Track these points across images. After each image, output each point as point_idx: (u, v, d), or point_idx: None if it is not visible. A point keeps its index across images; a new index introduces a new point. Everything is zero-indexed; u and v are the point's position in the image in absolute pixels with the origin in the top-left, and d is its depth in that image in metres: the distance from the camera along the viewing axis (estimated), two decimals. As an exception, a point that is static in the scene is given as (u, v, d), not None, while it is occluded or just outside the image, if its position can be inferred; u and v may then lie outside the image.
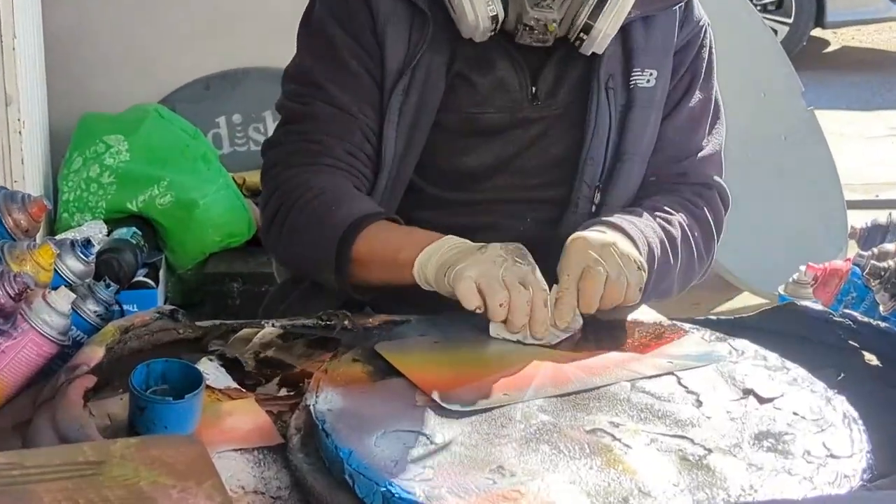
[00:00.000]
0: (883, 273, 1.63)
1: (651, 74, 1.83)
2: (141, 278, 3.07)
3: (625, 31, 1.80)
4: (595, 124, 1.80)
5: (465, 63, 1.78)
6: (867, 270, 1.69)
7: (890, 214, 1.84)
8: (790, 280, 2.04)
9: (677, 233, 1.78)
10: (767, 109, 4.32)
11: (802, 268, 1.97)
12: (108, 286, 1.55)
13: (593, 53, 1.78)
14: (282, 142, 1.82)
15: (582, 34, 1.74)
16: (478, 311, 1.49)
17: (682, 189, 1.86)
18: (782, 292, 2.03)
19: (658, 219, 1.77)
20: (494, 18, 1.72)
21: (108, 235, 3.02)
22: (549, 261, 1.59)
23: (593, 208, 1.81)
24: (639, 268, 1.58)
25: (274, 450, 1.33)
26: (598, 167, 1.81)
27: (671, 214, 1.80)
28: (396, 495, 1.15)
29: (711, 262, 1.90)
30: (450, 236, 1.60)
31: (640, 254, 1.65)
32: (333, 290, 1.72)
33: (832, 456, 1.25)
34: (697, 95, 1.89)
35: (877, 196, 5.47)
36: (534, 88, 1.81)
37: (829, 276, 1.84)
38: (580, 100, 1.81)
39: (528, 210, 1.82)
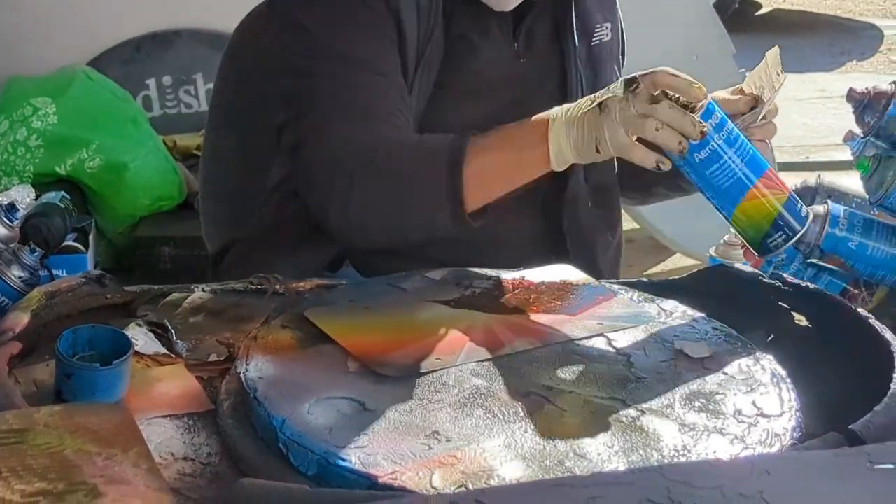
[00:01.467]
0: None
1: (606, 27, 1.89)
2: (70, 243, 3.02)
3: None
4: (573, 83, 1.83)
5: (463, 24, 1.78)
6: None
7: (819, 177, 1.85)
8: (720, 242, 2.04)
9: None
10: (699, 72, 4.28)
11: (733, 230, 1.97)
12: (33, 251, 1.52)
13: (562, 12, 1.82)
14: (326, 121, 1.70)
15: None
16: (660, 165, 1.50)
17: None
18: (713, 254, 2.03)
19: None
20: None
21: (36, 199, 2.97)
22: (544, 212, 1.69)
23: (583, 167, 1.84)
24: None
25: (204, 416, 1.31)
26: None
27: None
28: (332, 463, 1.14)
29: None
30: (555, 109, 1.58)
31: None
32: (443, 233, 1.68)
33: (762, 415, 1.26)
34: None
35: (807, 158, 5.53)
36: (515, 45, 1.82)
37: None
38: (556, 56, 1.84)
39: None
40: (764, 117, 1.68)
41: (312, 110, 1.71)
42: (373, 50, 1.71)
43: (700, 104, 1.48)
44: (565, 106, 1.59)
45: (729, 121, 1.49)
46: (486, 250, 1.72)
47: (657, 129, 1.47)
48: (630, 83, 1.50)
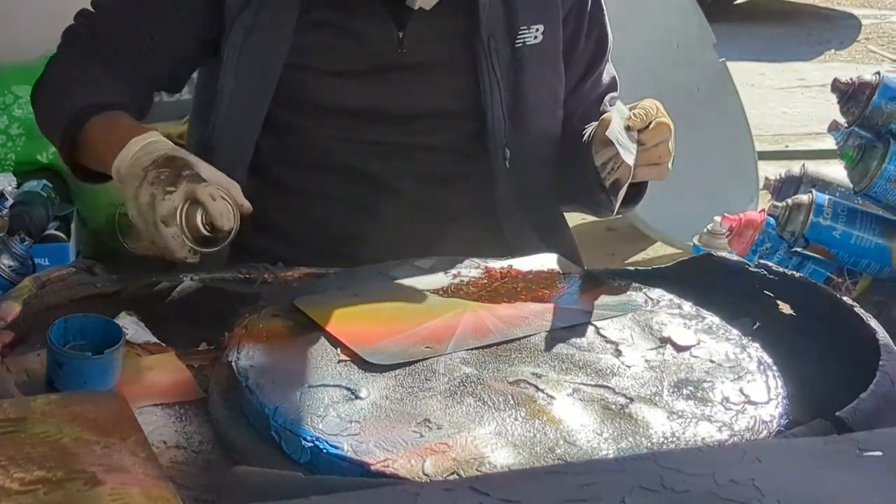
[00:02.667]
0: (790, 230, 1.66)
1: (538, 30, 1.82)
2: (52, 231, 3.02)
3: None
4: (487, 84, 1.79)
5: (321, 6, 1.76)
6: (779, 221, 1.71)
7: (803, 166, 1.87)
8: (704, 231, 2.06)
9: None
10: (680, 61, 4.34)
11: (717, 218, 1.99)
12: (22, 241, 1.52)
13: (472, 10, 1.77)
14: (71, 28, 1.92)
15: None
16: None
17: None
18: (697, 243, 2.05)
19: None
20: None
21: (17, 188, 2.97)
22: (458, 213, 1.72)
23: (507, 164, 1.82)
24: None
25: (195, 404, 1.32)
26: (500, 125, 1.81)
27: None
28: (324, 451, 1.15)
29: None
30: (137, 139, 1.61)
31: None
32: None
33: (750, 402, 1.27)
34: (597, 39, 1.92)
35: (786, 147, 5.55)
36: (400, 34, 1.78)
37: (744, 226, 1.87)
38: (464, 53, 1.80)
39: (429, 158, 1.82)
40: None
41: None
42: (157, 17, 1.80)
43: None
44: (151, 138, 1.61)
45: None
46: (419, 249, 1.69)
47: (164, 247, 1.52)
48: (172, 180, 1.50)
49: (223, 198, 1.50)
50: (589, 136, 1.78)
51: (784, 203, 1.71)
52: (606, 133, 1.60)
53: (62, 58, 1.87)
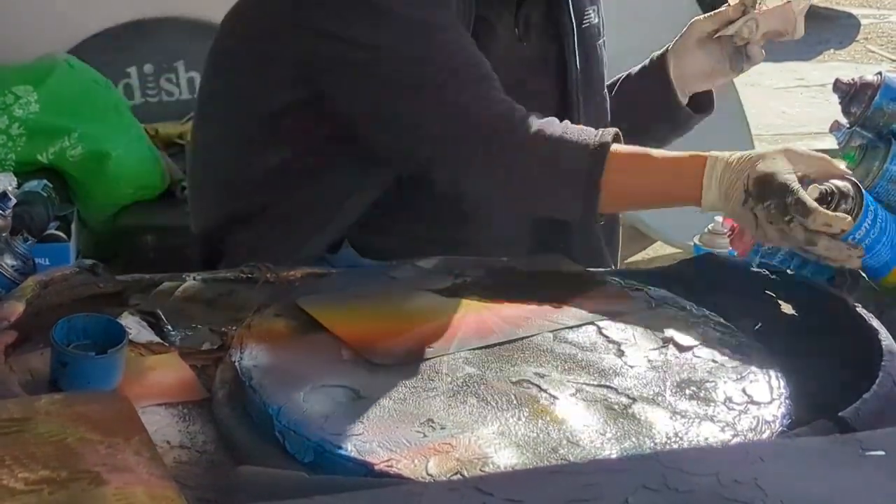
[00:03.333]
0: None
1: (594, 10, 1.94)
2: (53, 232, 3.02)
3: None
4: (572, 68, 1.87)
5: (482, 4, 1.78)
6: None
7: (805, 165, 1.87)
8: (705, 230, 2.05)
9: None
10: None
11: (718, 218, 1.99)
12: (25, 240, 1.52)
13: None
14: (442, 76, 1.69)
15: None
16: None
17: None
18: (697, 243, 2.05)
19: None
20: None
21: (18, 188, 2.96)
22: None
23: None
24: None
25: (198, 404, 1.32)
26: (576, 108, 1.87)
27: None
28: (328, 451, 1.15)
29: None
30: (709, 171, 1.59)
31: None
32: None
33: (752, 402, 1.27)
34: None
35: (786, 147, 5.55)
36: (517, 29, 1.84)
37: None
38: (549, 41, 1.87)
39: None
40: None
41: (377, 80, 1.69)
42: (446, 14, 1.71)
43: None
44: (720, 165, 1.59)
45: (879, 215, 1.55)
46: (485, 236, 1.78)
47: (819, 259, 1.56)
48: (783, 211, 1.49)
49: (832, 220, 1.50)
50: (663, 52, 1.95)
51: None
52: None
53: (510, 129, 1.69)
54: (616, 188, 1.64)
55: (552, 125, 1.67)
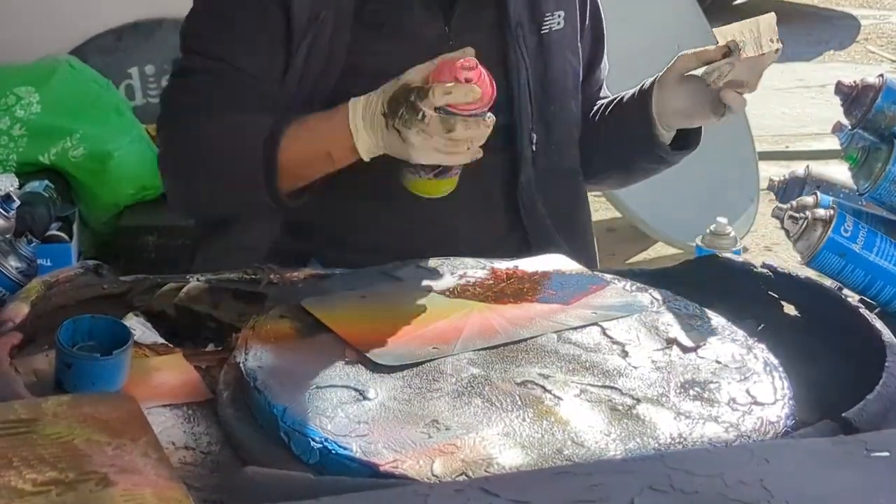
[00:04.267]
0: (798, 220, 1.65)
1: (559, 15, 1.87)
2: (54, 232, 3.03)
3: None
4: (515, 71, 1.83)
5: (378, 5, 1.77)
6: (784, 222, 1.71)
7: (807, 167, 1.87)
8: (707, 231, 2.06)
9: None
10: (681, 61, 4.34)
11: (721, 219, 1.99)
12: (29, 242, 1.52)
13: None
14: (169, 97, 1.87)
15: None
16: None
17: None
18: (699, 244, 2.05)
19: None
20: None
21: (19, 189, 2.97)
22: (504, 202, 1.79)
23: (533, 148, 1.86)
24: None
25: (203, 405, 1.33)
26: (527, 112, 1.85)
27: None
28: (333, 451, 1.15)
29: None
30: (352, 115, 1.64)
31: None
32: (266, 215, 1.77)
33: (756, 403, 1.28)
34: (593, 16, 1.99)
35: (787, 147, 5.56)
36: (447, 29, 1.80)
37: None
38: (496, 42, 1.83)
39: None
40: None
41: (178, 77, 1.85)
42: (249, 42, 1.76)
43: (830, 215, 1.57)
44: (360, 105, 1.64)
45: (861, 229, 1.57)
46: (443, 240, 1.75)
47: (468, 147, 1.58)
48: (413, 111, 1.55)
49: (452, 88, 1.56)
50: (653, 81, 1.89)
51: (789, 204, 1.70)
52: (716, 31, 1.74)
53: (182, 139, 1.81)
54: (287, 162, 1.70)
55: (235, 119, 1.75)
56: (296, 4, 1.74)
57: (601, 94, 2.04)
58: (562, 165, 1.93)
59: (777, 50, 1.76)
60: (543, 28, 1.85)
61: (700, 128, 1.91)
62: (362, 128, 1.63)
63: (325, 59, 1.76)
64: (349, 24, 1.76)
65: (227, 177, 1.76)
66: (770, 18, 1.75)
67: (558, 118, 1.89)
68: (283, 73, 1.76)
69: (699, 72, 1.79)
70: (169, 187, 1.87)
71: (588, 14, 1.97)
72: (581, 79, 1.96)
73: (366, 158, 1.66)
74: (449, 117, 1.55)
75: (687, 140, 1.93)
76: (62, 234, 3.07)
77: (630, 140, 1.93)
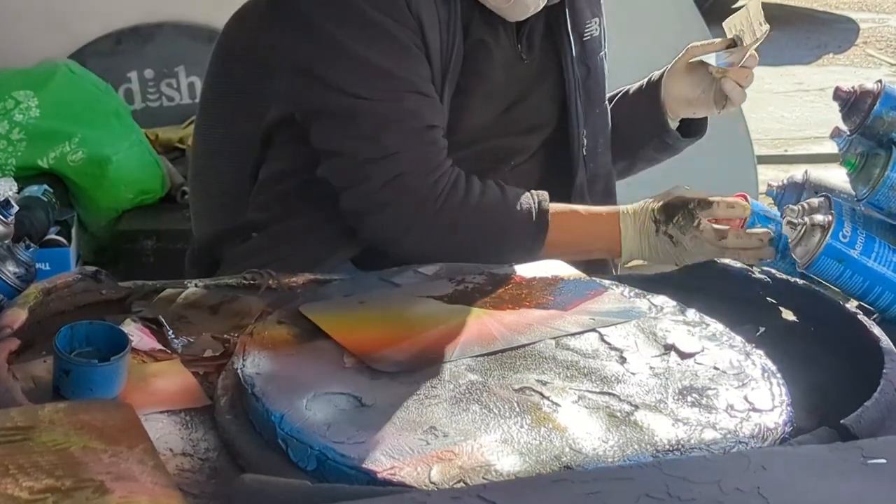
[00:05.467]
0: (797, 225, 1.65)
1: (595, 22, 1.95)
2: (53, 236, 3.03)
3: None
4: (571, 81, 1.89)
5: (480, 29, 1.80)
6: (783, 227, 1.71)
7: (806, 172, 1.87)
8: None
9: None
10: (680, 65, 4.34)
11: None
12: (27, 247, 1.52)
13: (554, 12, 1.86)
14: (392, 148, 1.74)
15: None
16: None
17: None
18: (698, 248, 2.05)
19: None
20: None
21: (18, 193, 2.97)
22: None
23: (584, 151, 1.92)
24: None
25: (201, 411, 1.32)
26: (577, 116, 1.91)
27: None
28: (331, 458, 1.15)
29: None
30: (622, 221, 1.78)
31: None
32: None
33: (754, 409, 1.27)
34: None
35: (785, 151, 5.56)
36: (519, 46, 1.85)
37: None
38: (548, 56, 1.89)
39: (519, 156, 1.90)
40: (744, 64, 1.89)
41: (355, 126, 1.73)
42: (412, 67, 1.73)
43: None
44: (630, 214, 1.77)
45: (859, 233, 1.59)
46: None
47: (737, 257, 1.68)
48: (690, 218, 1.72)
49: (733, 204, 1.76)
50: (662, 72, 2.01)
51: (798, 207, 1.70)
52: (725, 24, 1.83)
53: (449, 195, 1.77)
54: (549, 246, 1.78)
55: (492, 190, 1.78)
56: (430, 41, 1.75)
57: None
58: (606, 166, 2.00)
59: (766, 31, 1.85)
60: (585, 35, 1.91)
61: (706, 117, 2.02)
62: (631, 231, 1.77)
63: (451, 84, 1.79)
64: (461, 50, 1.79)
65: (490, 249, 1.76)
66: (756, 3, 1.81)
67: (600, 121, 1.96)
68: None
69: (708, 58, 1.91)
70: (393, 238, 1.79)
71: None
72: None
73: (625, 260, 1.80)
74: (722, 227, 1.72)
75: (694, 128, 2.04)
76: (61, 239, 3.07)
77: (639, 128, 2.02)
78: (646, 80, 2.03)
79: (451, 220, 1.75)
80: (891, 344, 1.39)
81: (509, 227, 1.78)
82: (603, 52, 1.99)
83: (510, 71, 1.85)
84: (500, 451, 1.17)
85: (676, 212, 1.73)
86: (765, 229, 1.73)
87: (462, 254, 1.69)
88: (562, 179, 1.92)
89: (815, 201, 1.62)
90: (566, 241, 1.78)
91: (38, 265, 1.59)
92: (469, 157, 1.82)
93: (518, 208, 1.77)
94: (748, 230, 1.74)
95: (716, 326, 1.47)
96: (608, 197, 2.01)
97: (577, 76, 1.90)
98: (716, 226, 1.72)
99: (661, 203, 1.75)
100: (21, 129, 3.38)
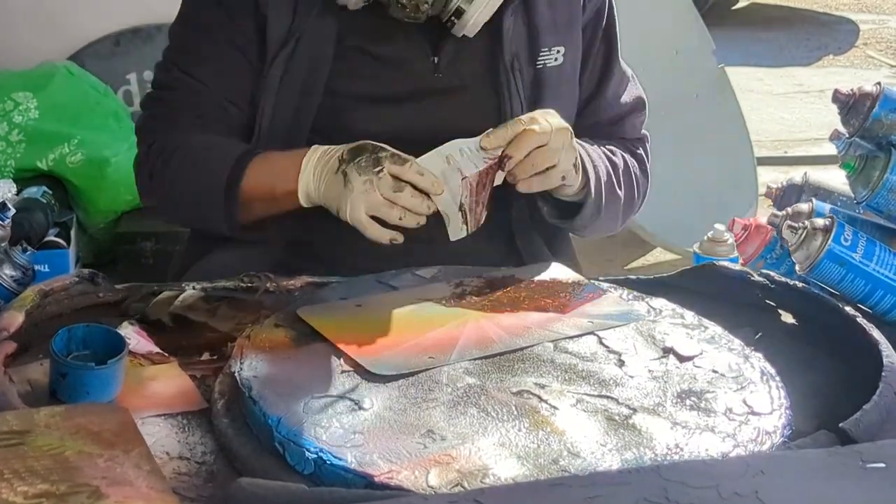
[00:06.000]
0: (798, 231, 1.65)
1: (558, 52, 1.83)
2: (52, 238, 3.02)
3: (528, 9, 1.79)
4: (509, 105, 1.79)
5: (359, 33, 1.76)
6: (782, 231, 1.71)
7: (805, 174, 1.87)
8: (704, 238, 2.05)
9: (620, 163, 1.86)
10: (680, 67, 4.35)
11: (718, 226, 1.99)
12: (24, 250, 1.52)
13: (497, 32, 1.77)
14: (147, 107, 1.87)
15: (454, 17, 1.72)
16: (394, 241, 1.58)
17: (618, 143, 1.92)
18: (697, 251, 2.05)
19: (603, 147, 1.86)
20: None
21: (17, 195, 2.97)
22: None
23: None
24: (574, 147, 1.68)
25: (198, 415, 1.32)
26: None
27: (614, 151, 1.88)
28: (328, 462, 1.15)
29: (643, 203, 1.99)
30: (307, 156, 1.65)
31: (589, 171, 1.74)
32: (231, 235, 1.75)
33: (753, 413, 1.27)
34: (619, 65, 1.92)
35: (785, 152, 5.55)
36: (435, 59, 1.79)
37: (754, 232, 1.85)
38: (489, 74, 1.81)
39: None
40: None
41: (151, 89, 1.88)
42: (212, 60, 1.78)
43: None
44: (320, 150, 1.65)
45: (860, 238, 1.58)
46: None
47: (400, 218, 1.57)
48: (374, 163, 1.56)
49: (424, 173, 1.57)
50: None
51: (784, 211, 1.70)
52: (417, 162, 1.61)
53: (157, 152, 1.80)
54: (245, 192, 1.70)
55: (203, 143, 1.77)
56: (271, 27, 1.74)
57: (621, 127, 1.95)
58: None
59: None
60: (538, 63, 1.81)
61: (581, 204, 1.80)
62: (310, 168, 1.64)
63: (302, 83, 1.75)
64: (330, 52, 1.75)
65: (191, 198, 1.77)
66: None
67: None
68: (255, 96, 1.77)
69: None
70: (143, 195, 1.89)
71: (597, 46, 1.91)
72: (577, 111, 1.90)
73: (303, 202, 1.66)
74: (401, 182, 1.56)
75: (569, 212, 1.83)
76: (60, 241, 3.07)
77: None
78: None
79: (160, 177, 1.79)
80: (890, 347, 1.39)
81: (208, 166, 1.75)
82: (573, 86, 1.87)
83: (414, 82, 1.77)
84: (497, 454, 1.17)
85: (364, 153, 1.59)
86: (437, 180, 1.57)
87: (178, 206, 1.81)
88: (501, 207, 1.78)
89: (803, 206, 1.62)
90: (257, 185, 1.69)
91: (37, 267, 1.59)
92: None
93: (219, 154, 1.74)
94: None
95: (714, 329, 1.47)
96: (559, 232, 1.92)
97: (522, 104, 1.79)
98: (404, 176, 1.57)
99: (352, 146, 1.62)
100: (20, 131, 3.38)
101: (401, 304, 1.51)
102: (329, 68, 1.75)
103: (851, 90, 1.63)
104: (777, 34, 8.07)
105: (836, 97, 1.64)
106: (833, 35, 8.26)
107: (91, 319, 1.42)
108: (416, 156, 1.63)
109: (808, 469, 1.07)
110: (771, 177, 2.11)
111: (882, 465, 1.05)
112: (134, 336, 1.45)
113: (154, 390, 1.35)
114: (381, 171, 1.56)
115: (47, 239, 2.95)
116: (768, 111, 6.16)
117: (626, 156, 1.90)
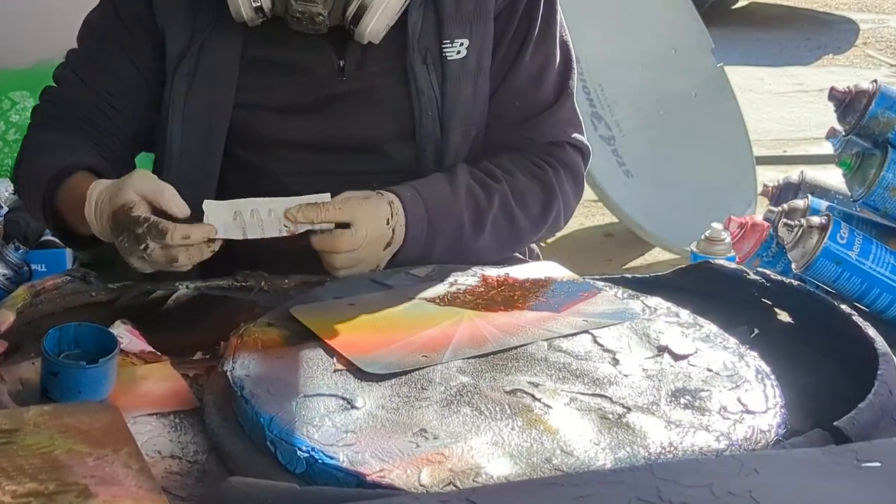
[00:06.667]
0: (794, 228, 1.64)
1: (462, 45, 1.78)
2: (49, 237, 3.02)
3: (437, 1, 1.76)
4: (418, 101, 1.77)
5: (261, 44, 1.76)
6: (778, 229, 1.71)
7: (801, 173, 1.87)
8: (701, 238, 2.05)
9: (496, 201, 1.76)
10: (678, 66, 4.35)
11: (716, 225, 1.99)
12: (17, 249, 1.52)
13: (402, 28, 1.75)
14: (40, 98, 1.91)
15: (352, 27, 1.71)
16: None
17: (531, 149, 1.83)
18: (694, 250, 2.05)
19: (480, 179, 1.77)
20: (259, 9, 1.69)
21: (14, 194, 2.96)
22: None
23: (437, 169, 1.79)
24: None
25: (190, 414, 1.32)
26: (433, 142, 1.79)
27: (493, 184, 1.78)
28: (320, 461, 1.14)
29: (561, 220, 1.88)
30: (87, 198, 1.63)
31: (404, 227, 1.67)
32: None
33: (748, 412, 1.26)
34: (535, 56, 1.84)
35: (784, 152, 5.55)
36: (341, 62, 1.77)
37: (750, 230, 1.85)
38: (400, 71, 1.78)
39: (380, 182, 1.74)
40: None
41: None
42: (102, 67, 1.82)
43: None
44: (96, 192, 1.62)
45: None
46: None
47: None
48: (137, 241, 1.52)
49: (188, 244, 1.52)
50: None
51: (780, 208, 1.70)
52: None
53: (31, 135, 1.88)
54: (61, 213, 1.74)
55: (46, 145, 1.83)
56: (169, 42, 1.76)
57: (531, 141, 1.85)
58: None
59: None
60: (443, 54, 1.77)
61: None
62: (92, 213, 1.62)
63: (210, 97, 1.76)
64: (235, 66, 1.76)
65: (27, 199, 1.84)
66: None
67: (450, 149, 1.79)
68: (152, 106, 1.80)
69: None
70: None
71: (513, 37, 1.82)
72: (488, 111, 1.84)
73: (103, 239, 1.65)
74: (172, 250, 1.51)
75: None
76: (56, 240, 3.06)
77: None
78: None
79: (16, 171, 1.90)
80: (886, 346, 1.39)
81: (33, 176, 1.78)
82: (477, 78, 1.80)
83: (318, 89, 1.76)
84: (490, 453, 1.16)
85: (123, 231, 1.54)
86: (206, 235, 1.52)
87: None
88: None
89: (798, 203, 1.61)
90: (66, 209, 1.71)
91: (33, 266, 1.59)
92: (323, 180, 1.69)
93: (49, 158, 1.77)
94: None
95: (709, 328, 1.46)
96: None
97: (436, 96, 1.77)
98: (171, 244, 1.51)
99: (113, 208, 1.56)
100: (17, 130, 3.38)
101: (394, 303, 1.51)
102: (237, 81, 1.76)
103: (848, 88, 1.62)
104: (777, 33, 8.06)
105: (833, 95, 1.64)
106: (833, 34, 8.26)
107: (83, 318, 1.41)
108: (331, 162, 1.71)
109: (803, 468, 1.06)
110: (770, 176, 2.10)
111: (877, 463, 1.05)
112: (126, 335, 1.44)
113: (146, 389, 1.35)
114: (147, 247, 1.51)
115: (44, 238, 2.94)
116: (768, 110, 6.15)
117: (516, 185, 1.79)
